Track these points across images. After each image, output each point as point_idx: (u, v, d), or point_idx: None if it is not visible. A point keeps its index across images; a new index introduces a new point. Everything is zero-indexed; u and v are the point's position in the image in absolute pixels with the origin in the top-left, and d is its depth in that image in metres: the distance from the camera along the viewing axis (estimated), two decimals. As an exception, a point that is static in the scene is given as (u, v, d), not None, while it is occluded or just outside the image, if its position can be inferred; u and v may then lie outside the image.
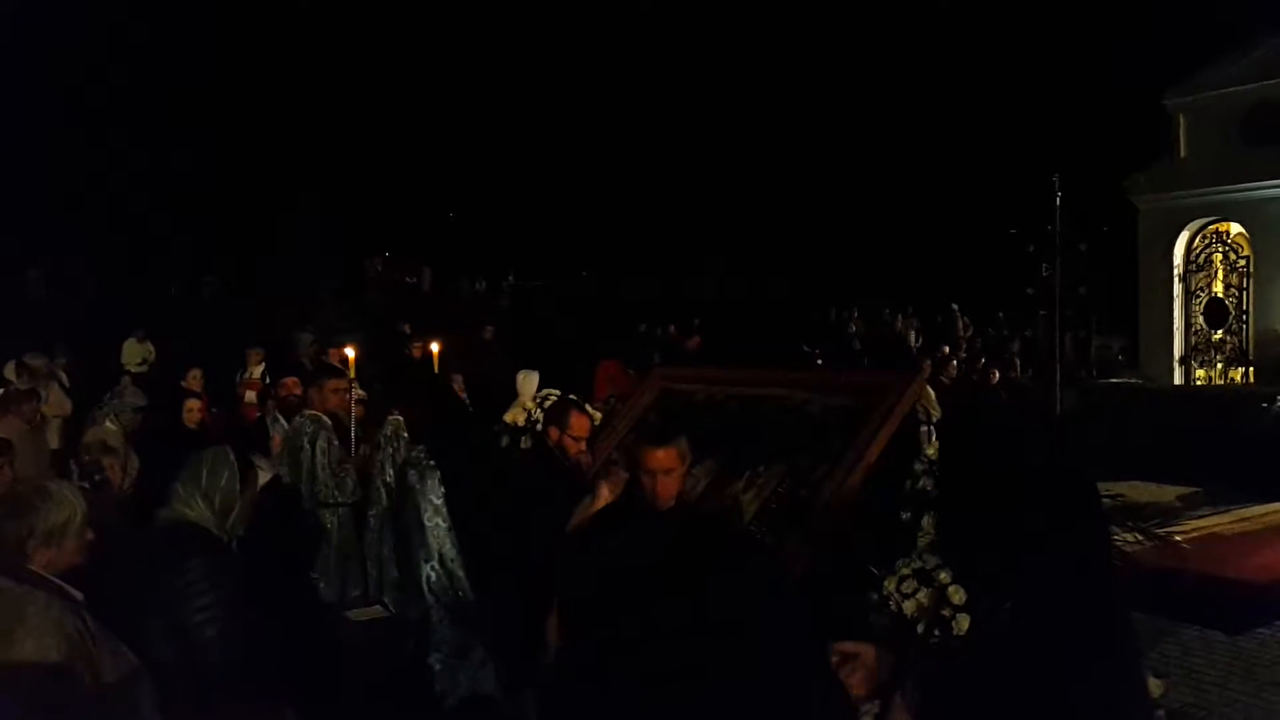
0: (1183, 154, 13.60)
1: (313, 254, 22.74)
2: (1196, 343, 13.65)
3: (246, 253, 23.44)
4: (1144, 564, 4.73)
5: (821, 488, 4.93)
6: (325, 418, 6.31)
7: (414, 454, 5.45)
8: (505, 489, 5.32)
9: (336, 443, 6.25)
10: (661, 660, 3.25)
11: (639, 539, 3.59)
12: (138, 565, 3.49)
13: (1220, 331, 13.44)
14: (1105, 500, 2.50)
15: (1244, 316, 13.20)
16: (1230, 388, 13.12)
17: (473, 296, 25.57)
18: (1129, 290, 14.77)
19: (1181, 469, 10.55)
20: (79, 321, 15.55)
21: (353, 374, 6.76)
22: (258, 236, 24.14)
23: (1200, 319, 13.63)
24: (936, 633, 3.85)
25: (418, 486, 5.15)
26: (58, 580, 2.99)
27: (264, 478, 3.85)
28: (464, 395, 9.96)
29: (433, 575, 5.01)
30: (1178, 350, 13.73)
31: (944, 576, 3.93)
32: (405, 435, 6.09)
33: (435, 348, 8.69)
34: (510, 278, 27.87)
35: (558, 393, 8.01)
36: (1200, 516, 9.32)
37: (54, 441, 10.45)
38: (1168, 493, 10.11)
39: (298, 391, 7.44)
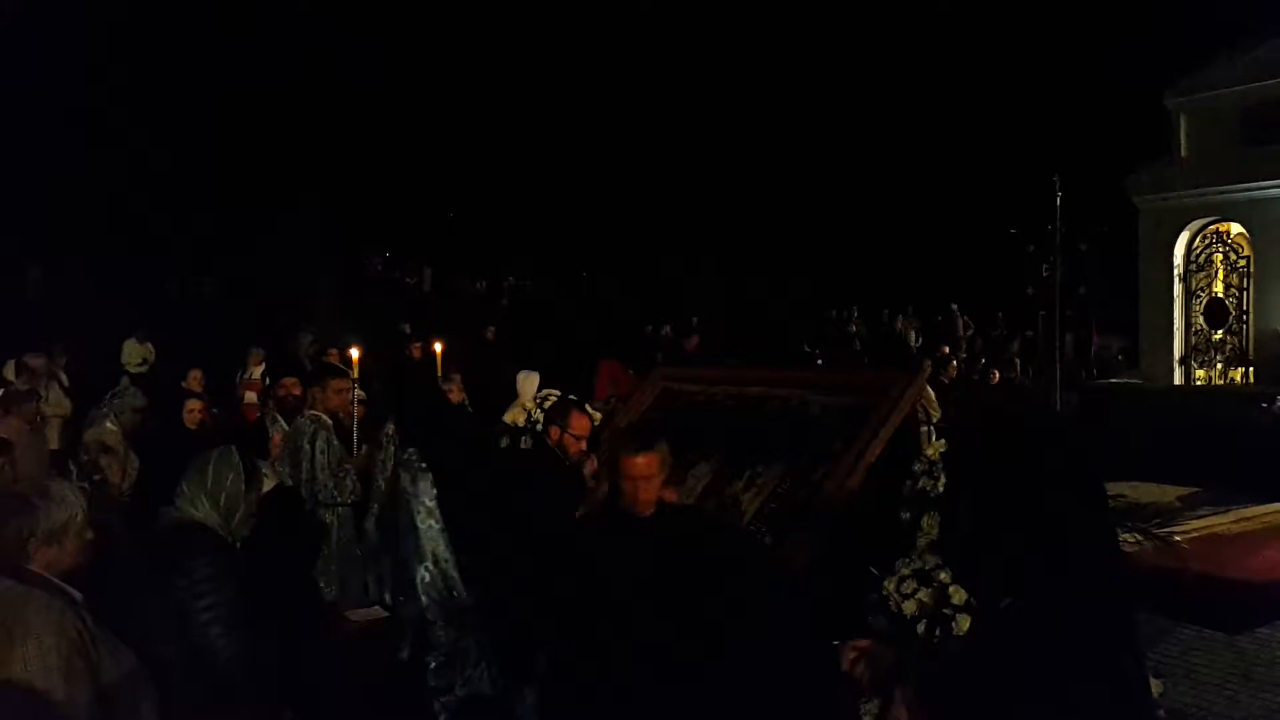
0: (1183, 154, 13.59)
1: (313, 254, 22.74)
2: (1197, 343, 13.64)
3: (246, 253, 23.44)
4: (1144, 564, 4.74)
5: (821, 488, 4.93)
6: (326, 417, 6.32)
7: (406, 456, 5.46)
8: (503, 489, 5.33)
9: (337, 443, 6.26)
10: (651, 661, 3.25)
11: (622, 544, 3.61)
12: (142, 564, 3.50)
13: (1220, 332, 13.43)
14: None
15: (1244, 317, 13.19)
16: (1230, 388, 13.11)
17: (473, 296, 25.59)
18: (1129, 290, 14.76)
19: (1181, 469, 10.55)
20: (79, 321, 15.53)
21: (356, 374, 6.76)
22: (258, 237, 24.13)
23: (1200, 319, 13.62)
24: (937, 633, 3.85)
25: (410, 489, 5.18)
26: (58, 580, 2.99)
27: (269, 484, 3.86)
28: (464, 395, 9.96)
29: (426, 576, 5.02)
30: (1178, 350, 13.72)
31: (944, 576, 3.93)
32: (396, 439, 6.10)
33: (439, 347, 8.69)
34: (510, 278, 27.89)
35: (557, 393, 8.02)
36: (1200, 516, 9.30)
37: (54, 441, 10.46)
38: (1168, 493, 10.11)
39: (297, 392, 7.44)
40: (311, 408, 6.43)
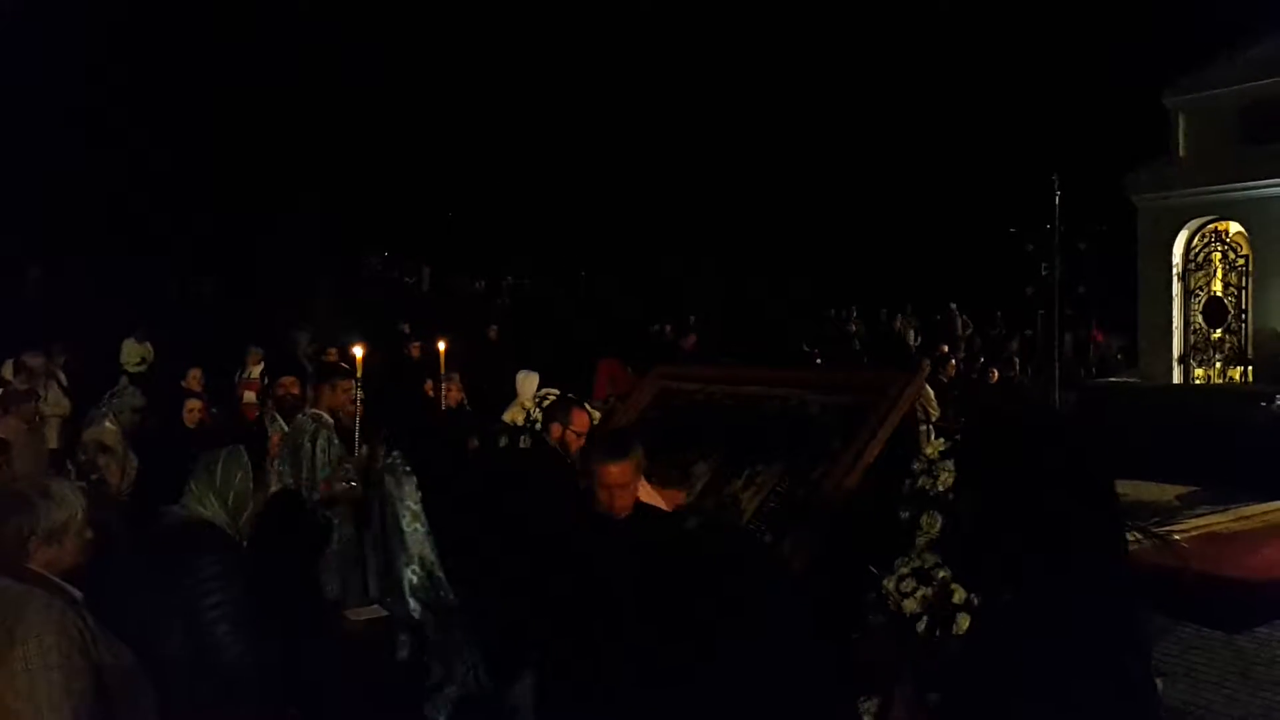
0: (1182, 153, 13.59)
1: (312, 254, 22.74)
2: (1195, 342, 13.64)
3: (245, 252, 23.43)
4: (1143, 563, 4.74)
5: (820, 487, 4.94)
6: (327, 416, 6.31)
7: (390, 459, 5.47)
8: (493, 489, 5.35)
9: (338, 441, 6.25)
10: (638, 662, 3.25)
11: (602, 545, 3.62)
12: (142, 563, 3.51)
13: (1219, 330, 13.43)
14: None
15: (1243, 315, 13.19)
16: (1229, 387, 13.12)
17: (472, 296, 25.60)
18: (1128, 289, 14.76)
19: (1180, 468, 10.56)
20: (78, 321, 15.52)
21: (359, 373, 6.76)
22: (257, 236, 24.13)
23: (1199, 318, 13.62)
24: (936, 632, 3.86)
25: (394, 491, 5.19)
26: (58, 579, 3.00)
27: (274, 486, 3.88)
28: (462, 395, 9.96)
29: (413, 578, 5.04)
30: (1177, 349, 13.73)
31: (943, 575, 3.93)
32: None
33: (442, 346, 8.68)
34: (509, 277, 27.90)
35: (556, 392, 8.02)
36: (1199, 515, 9.32)
37: (53, 441, 10.46)
38: (1166, 491, 10.14)
39: (295, 391, 7.44)
40: (313, 406, 6.42)
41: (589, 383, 11.73)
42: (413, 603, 5.01)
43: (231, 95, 26.31)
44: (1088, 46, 26.11)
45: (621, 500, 3.64)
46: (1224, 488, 10.07)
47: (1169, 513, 8.81)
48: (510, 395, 9.27)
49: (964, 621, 3.73)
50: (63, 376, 12.72)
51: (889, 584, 4.06)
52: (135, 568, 3.52)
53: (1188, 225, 13.58)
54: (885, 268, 27.69)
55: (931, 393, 11.47)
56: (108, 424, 7.47)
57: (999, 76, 27.14)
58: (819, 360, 18.81)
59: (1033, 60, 26.60)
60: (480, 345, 16.91)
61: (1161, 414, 12.19)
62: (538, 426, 6.23)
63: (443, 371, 8.66)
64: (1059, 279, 15.58)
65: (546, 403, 7.14)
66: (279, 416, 7.18)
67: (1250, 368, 13.08)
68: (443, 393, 8.64)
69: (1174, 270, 13.65)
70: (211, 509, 3.59)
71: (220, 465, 3.66)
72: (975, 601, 3.59)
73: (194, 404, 8.25)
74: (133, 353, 16.15)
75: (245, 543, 3.69)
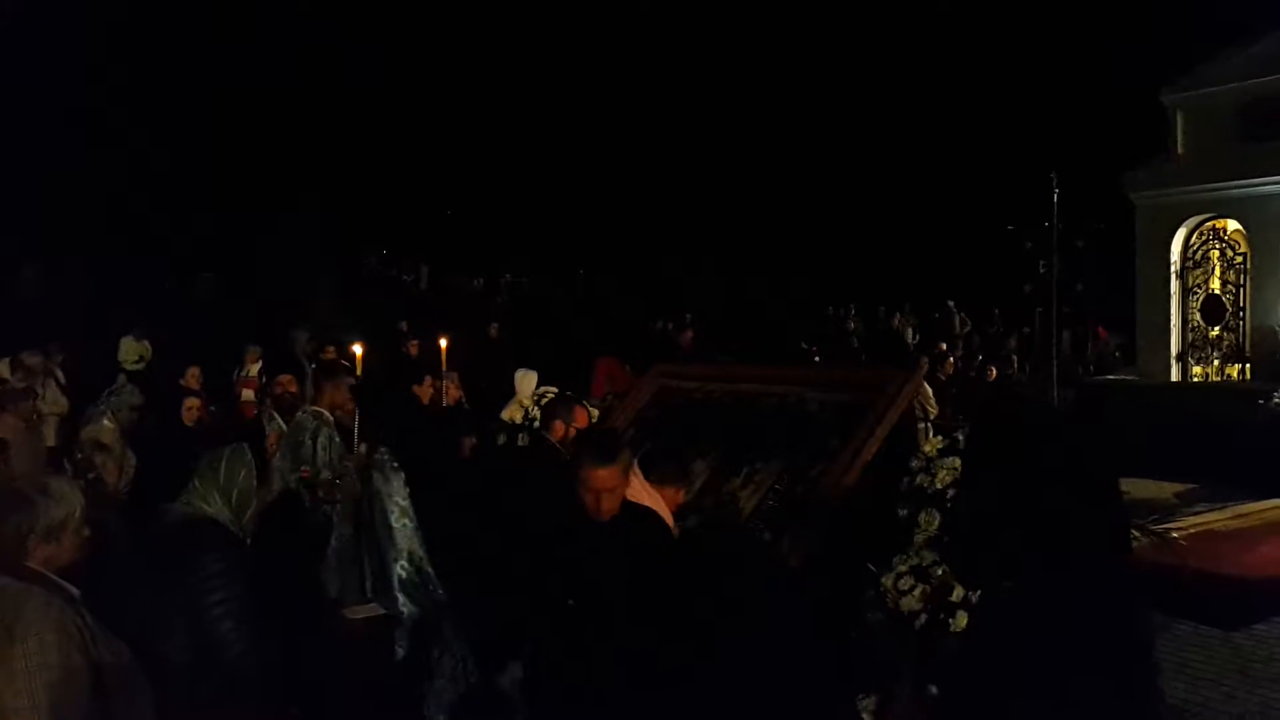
0: (1180, 150, 13.58)
1: (311, 252, 22.73)
2: (1194, 339, 13.63)
3: (244, 251, 23.41)
4: (1141, 560, 4.75)
5: (819, 484, 4.94)
6: (328, 414, 6.31)
7: (378, 456, 5.48)
8: (486, 487, 5.36)
9: (338, 439, 6.26)
10: (630, 662, 3.25)
11: (590, 545, 3.62)
12: (141, 562, 3.51)
13: (1217, 328, 13.42)
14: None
15: (1241, 313, 13.18)
16: (1227, 384, 13.10)
17: (470, 294, 25.59)
18: (1126, 287, 14.76)
19: (1178, 465, 10.55)
20: (75, 319, 15.50)
21: (359, 371, 6.77)
22: (255, 234, 24.11)
23: (1197, 316, 13.61)
24: (935, 629, 3.86)
25: (382, 488, 5.20)
26: (56, 577, 3.00)
27: (277, 485, 3.89)
28: (461, 393, 9.96)
29: (403, 574, 5.06)
30: (1175, 347, 13.72)
31: (942, 572, 3.94)
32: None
33: (444, 343, 8.70)
34: (507, 276, 27.89)
35: (555, 390, 8.03)
36: (1197, 513, 9.31)
37: (50, 439, 10.44)
38: (1165, 489, 10.13)
39: (293, 389, 7.46)
40: (314, 403, 6.43)
41: (587, 381, 11.74)
42: (401, 597, 5.02)
43: (231, 95, 26.29)
44: (1086, 44, 26.13)
45: (608, 504, 3.63)
46: (1222, 485, 10.07)
47: (1167, 510, 8.81)
48: (508, 393, 9.27)
49: (962, 619, 3.73)
50: (61, 375, 12.71)
51: (887, 581, 4.07)
52: (135, 566, 3.52)
53: (1186, 223, 13.58)
54: (883, 266, 27.69)
55: (930, 390, 11.49)
56: (106, 422, 7.48)
57: (997, 75, 27.16)
58: (817, 358, 18.81)
59: (1031, 58, 26.61)
60: (479, 343, 16.90)
61: (1159, 412, 12.19)
62: (536, 425, 6.23)
63: (444, 368, 8.68)
64: (1057, 277, 15.56)
65: (545, 401, 7.15)
66: (277, 415, 7.19)
67: (1248, 365, 13.07)
68: (443, 390, 8.65)
69: (1172, 268, 13.65)
70: (215, 506, 3.61)
71: (224, 463, 3.67)
72: (973, 599, 3.60)
73: (192, 402, 8.25)
74: (131, 351, 16.12)
75: (248, 540, 3.69)
